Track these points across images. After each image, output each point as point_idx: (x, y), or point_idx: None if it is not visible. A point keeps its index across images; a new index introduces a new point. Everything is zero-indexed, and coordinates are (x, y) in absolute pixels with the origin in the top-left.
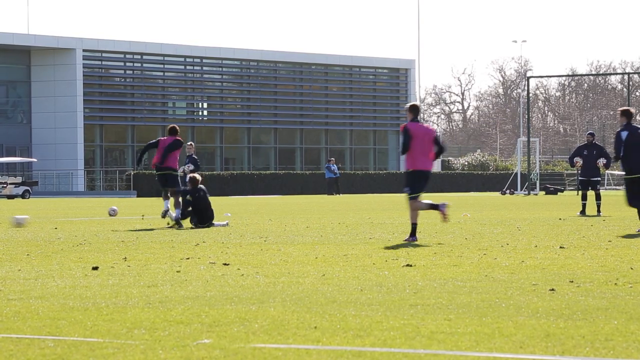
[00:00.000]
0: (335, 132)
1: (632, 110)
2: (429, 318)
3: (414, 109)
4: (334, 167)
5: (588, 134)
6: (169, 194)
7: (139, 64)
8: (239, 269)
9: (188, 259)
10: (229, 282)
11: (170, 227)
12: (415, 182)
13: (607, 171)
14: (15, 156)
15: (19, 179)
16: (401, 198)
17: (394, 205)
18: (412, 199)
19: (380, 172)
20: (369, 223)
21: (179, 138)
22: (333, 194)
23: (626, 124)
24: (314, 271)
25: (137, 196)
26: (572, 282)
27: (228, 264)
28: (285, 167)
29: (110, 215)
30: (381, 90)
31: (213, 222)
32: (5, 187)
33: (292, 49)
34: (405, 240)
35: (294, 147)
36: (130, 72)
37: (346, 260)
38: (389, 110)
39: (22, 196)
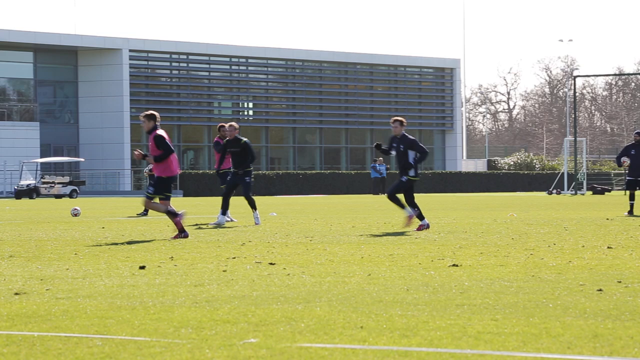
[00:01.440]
0: (381, 132)
1: None
2: (476, 318)
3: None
4: (382, 167)
5: (635, 133)
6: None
7: (185, 64)
8: (284, 268)
9: (234, 258)
10: (275, 282)
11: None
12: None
13: None
14: (63, 156)
15: (66, 179)
16: (446, 198)
17: (439, 205)
18: None
19: (426, 171)
20: (415, 223)
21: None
22: (378, 194)
23: None
24: (360, 271)
25: (183, 196)
26: (620, 282)
27: (274, 264)
28: (330, 166)
29: (74, 215)
30: (426, 90)
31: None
32: (53, 186)
33: (338, 49)
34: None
35: (339, 147)
36: (177, 72)
37: (392, 260)
38: (434, 110)
39: (70, 195)
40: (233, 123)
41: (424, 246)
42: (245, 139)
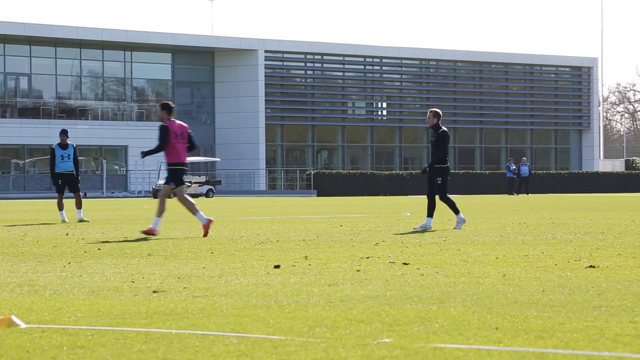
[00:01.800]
0: (516, 132)
1: None
2: (614, 320)
3: None
4: (525, 167)
5: None
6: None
7: (320, 64)
8: (418, 268)
9: (368, 258)
10: (409, 282)
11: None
12: None
13: None
14: (200, 156)
15: (203, 178)
16: (582, 198)
17: (575, 205)
18: None
19: (562, 171)
20: (551, 223)
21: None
22: (513, 194)
23: None
24: (495, 271)
25: (317, 195)
26: None
27: (408, 264)
28: (464, 166)
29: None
30: (563, 89)
31: None
32: (190, 186)
33: (472, 48)
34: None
35: (474, 147)
36: (311, 72)
37: (527, 261)
38: (570, 109)
39: (206, 195)
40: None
41: (560, 247)
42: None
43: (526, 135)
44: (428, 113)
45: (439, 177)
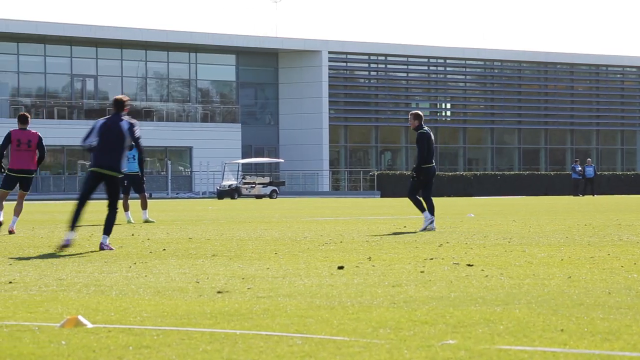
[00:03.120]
0: (581, 132)
1: None
2: None
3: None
4: (590, 168)
5: None
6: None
7: (383, 65)
8: (482, 269)
9: (432, 259)
10: (473, 283)
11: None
12: None
13: None
14: (264, 157)
15: (266, 179)
16: None
17: None
18: None
19: (628, 172)
20: (617, 225)
21: None
22: (579, 195)
23: None
24: (560, 273)
25: (381, 196)
26: None
27: (472, 265)
28: (529, 167)
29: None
30: (629, 89)
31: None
32: (254, 187)
33: (537, 48)
34: None
35: (539, 148)
36: (375, 73)
37: (593, 263)
38: (637, 109)
39: (270, 196)
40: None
41: (626, 249)
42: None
43: (592, 136)
44: (409, 116)
45: (414, 175)
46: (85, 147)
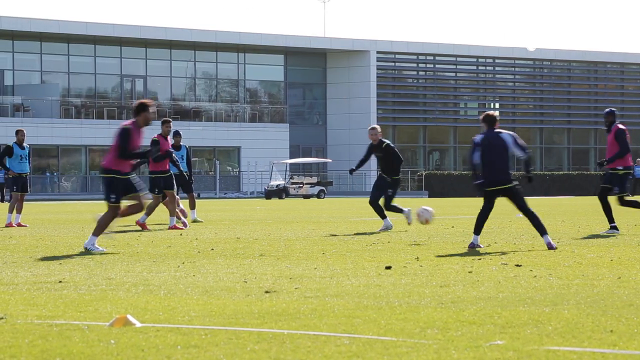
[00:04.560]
0: (633, 133)
1: None
2: None
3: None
4: (638, 169)
5: None
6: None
7: (432, 65)
8: (531, 270)
9: (480, 259)
10: (521, 284)
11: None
12: None
13: None
14: (311, 157)
15: (314, 179)
16: None
17: None
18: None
19: None
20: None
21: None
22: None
23: None
24: (609, 274)
25: (429, 196)
26: None
27: (520, 265)
28: (578, 167)
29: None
30: None
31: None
32: (302, 187)
33: (587, 48)
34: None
35: (588, 148)
36: (423, 72)
37: None
38: None
39: (318, 196)
40: (376, 126)
41: None
42: (387, 142)
43: None
44: (371, 130)
45: (390, 189)
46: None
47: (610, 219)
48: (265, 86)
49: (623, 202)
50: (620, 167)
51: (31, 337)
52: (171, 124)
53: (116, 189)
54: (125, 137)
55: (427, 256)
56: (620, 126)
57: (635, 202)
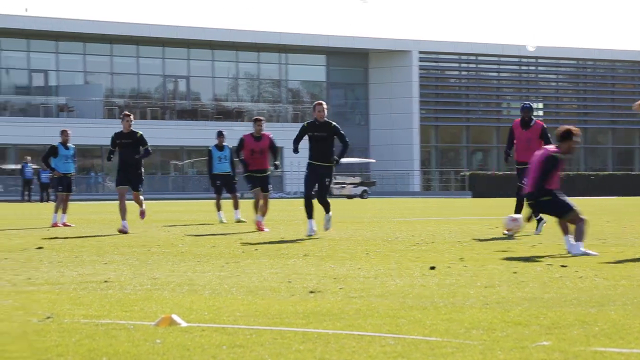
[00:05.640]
0: None
1: None
2: None
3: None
4: None
5: None
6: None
7: (474, 65)
8: (576, 271)
9: (524, 260)
10: (567, 284)
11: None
12: None
13: None
14: (354, 157)
15: (357, 180)
16: None
17: None
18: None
19: None
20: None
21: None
22: None
23: None
24: None
25: (472, 197)
26: None
27: (565, 266)
28: (623, 167)
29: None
30: None
31: None
32: (345, 187)
33: (631, 47)
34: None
35: (633, 148)
36: (466, 72)
37: None
38: None
39: (361, 196)
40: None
41: None
42: (333, 123)
43: None
44: (319, 106)
45: (327, 178)
46: None
47: None
48: (307, 86)
49: None
50: None
51: (78, 337)
52: (262, 122)
53: None
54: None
55: (471, 256)
56: None
57: None
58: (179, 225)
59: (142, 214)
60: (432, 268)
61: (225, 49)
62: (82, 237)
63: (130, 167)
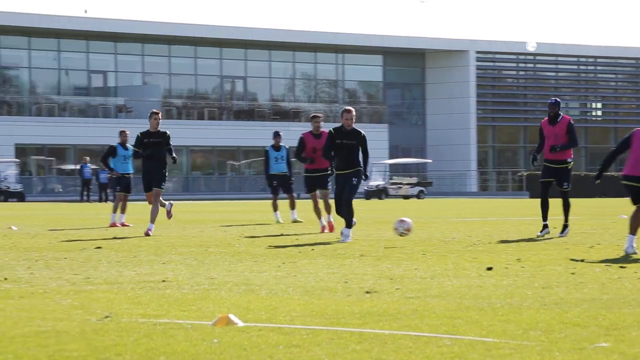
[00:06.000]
0: None
1: None
2: None
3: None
4: None
5: None
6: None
7: (532, 65)
8: (635, 272)
9: (582, 260)
10: (626, 285)
11: None
12: None
13: None
14: (411, 157)
15: (414, 180)
16: None
17: None
18: None
19: None
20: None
21: None
22: None
23: None
24: None
25: (530, 197)
26: None
27: (624, 267)
28: None
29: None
30: None
31: None
32: (401, 187)
33: None
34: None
35: None
36: (523, 72)
37: None
38: None
39: (417, 196)
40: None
41: None
42: (362, 132)
43: None
44: (347, 113)
45: (355, 178)
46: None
47: None
48: (364, 86)
49: None
50: None
51: (136, 336)
52: (320, 119)
53: None
54: None
55: (528, 257)
56: None
57: None
58: (236, 226)
59: (169, 213)
60: (489, 269)
61: (282, 49)
62: (140, 237)
63: (155, 167)
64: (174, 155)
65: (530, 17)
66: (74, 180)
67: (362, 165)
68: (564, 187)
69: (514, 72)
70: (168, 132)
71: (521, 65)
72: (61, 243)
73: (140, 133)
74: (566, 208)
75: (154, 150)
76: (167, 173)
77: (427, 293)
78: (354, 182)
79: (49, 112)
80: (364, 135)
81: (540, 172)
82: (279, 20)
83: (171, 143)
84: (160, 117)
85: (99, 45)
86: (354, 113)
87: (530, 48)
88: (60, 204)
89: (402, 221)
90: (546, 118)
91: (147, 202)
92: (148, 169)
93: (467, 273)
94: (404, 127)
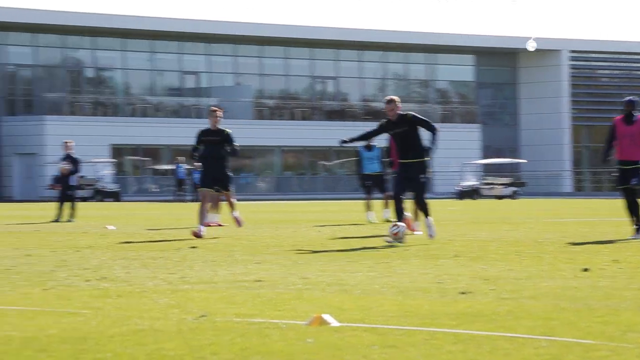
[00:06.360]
0: None
1: None
2: None
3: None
4: None
5: None
6: None
7: (627, 64)
8: None
9: None
10: None
11: None
12: None
13: None
14: (504, 157)
15: (507, 180)
16: None
17: None
18: None
19: None
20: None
21: None
22: None
23: None
24: None
25: None
26: None
27: None
28: None
29: None
30: None
31: None
32: (494, 187)
33: None
34: None
35: None
36: (618, 72)
37: None
38: None
39: (511, 197)
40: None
41: None
42: (410, 113)
43: None
44: (388, 104)
45: (422, 174)
46: None
47: None
48: (456, 86)
49: None
50: None
51: (231, 335)
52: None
53: None
54: None
55: (626, 258)
56: None
57: None
58: (329, 226)
59: (238, 221)
60: (585, 270)
61: (372, 49)
62: (235, 236)
63: (217, 167)
64: (235, 148)
65: (623, 16)
66: (169, 180)
67: (425, 149)
68: (632, 183)
69: (608, 72)
70: (228, 131)
71: (616, 64)
72: (157, 243)
73: (201, 130)
74: (634, 207)
75: (212, 149)
76: (231, 174)
77: (522, 294)
78: (421, 180)
79: (143, 112)
80: (412, 116)
81: (616, 177)
82: (369, 21)
83: (235, 143)
84: (221, 115)
85: (191, 46)
86: (396, 102)
87: (530, 48)
88: (155, 203)
89: (395, 225)
90: (620, 116)
91: (227, 201)
92: (208, 168)
93: (563, 274)
94: (496, 127)
